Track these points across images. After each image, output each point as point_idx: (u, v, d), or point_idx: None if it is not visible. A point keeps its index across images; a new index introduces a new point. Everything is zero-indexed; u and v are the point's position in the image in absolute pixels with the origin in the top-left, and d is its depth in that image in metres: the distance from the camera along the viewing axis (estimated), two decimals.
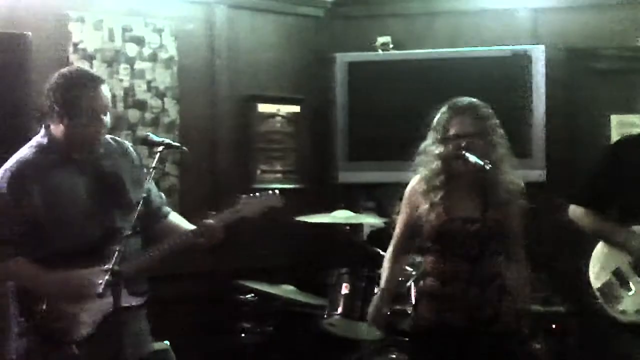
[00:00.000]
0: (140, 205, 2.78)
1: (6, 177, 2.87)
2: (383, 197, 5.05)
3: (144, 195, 2.85)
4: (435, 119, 3.12)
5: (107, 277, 2.58)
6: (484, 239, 2.98)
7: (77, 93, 2.88)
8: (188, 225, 3.15)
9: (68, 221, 2.89)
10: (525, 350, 3.52)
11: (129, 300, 2.86)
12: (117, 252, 2.65)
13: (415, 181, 3.16)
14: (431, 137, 3.12)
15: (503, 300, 3.01)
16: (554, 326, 4.44)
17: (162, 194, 3.28)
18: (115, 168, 3.01)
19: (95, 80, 2.94)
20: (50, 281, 2.84)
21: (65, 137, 2.92)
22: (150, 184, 3.06)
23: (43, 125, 2.98)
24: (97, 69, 4.46)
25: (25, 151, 2.95)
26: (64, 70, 3.07)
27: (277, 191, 3.23)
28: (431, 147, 3.10)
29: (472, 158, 2.95)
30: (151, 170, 2.89)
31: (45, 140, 2.95)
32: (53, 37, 4.37)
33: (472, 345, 2.99)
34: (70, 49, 4.42)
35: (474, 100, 3.12)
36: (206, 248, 3.09)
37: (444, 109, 3.11)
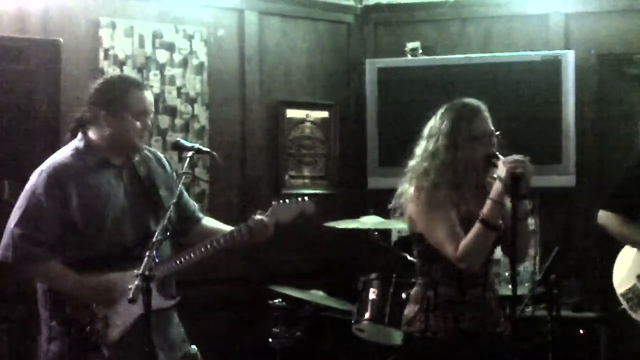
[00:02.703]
0: (170, 210, 2.80)
1: (42, 178, 2.90)
2: None
3: (174, 200, 2.86)
4: (451, 120, 2.97)
5: (137, 281, 2.59)
6: (497, 239, 2.91)
7: (120, 97, 2.94)
8: (224, 227, 3.16)
9: (103, 224, 2.92)
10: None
11: (160, 303, 2.87)
12: (147, 257, 2.66)
13: (426, 184, 2.98)
14: (447, 138, 2.95)
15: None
16: (581, 332, 4.40)
17: (194, 202, 3.31)
18: (150, 173, 3.05)
19: (138, 86, 3.03)
20: (82, 284, 2.87)
21: (106, 141, 2.97)
22: (182, 190, 3.07)
23: (81, 130, 3.02)
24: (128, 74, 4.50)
25: (61, 154, 2.99)
26: (107, 76, 3.18)
27: (307, 197, 3.21)
28: (451, 150, 2.94)
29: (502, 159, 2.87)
30: (182, 175, 2.92)
31: (82, 144, 2.99)
32: (84, 43, 4.43)
33: (488, 351, 2.93)
34: (101, 55, 4.47)
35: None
36: (254, 245, 3.09)
37: (455, 110, 2.99)
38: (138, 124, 2.96)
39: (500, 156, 2.88)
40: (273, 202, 3.14)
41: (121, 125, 2.95)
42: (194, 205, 3.27)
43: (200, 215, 3.27)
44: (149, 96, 3.06)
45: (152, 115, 3.08)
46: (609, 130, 5.05)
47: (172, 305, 3.03)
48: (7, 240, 2.88)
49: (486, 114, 3.00)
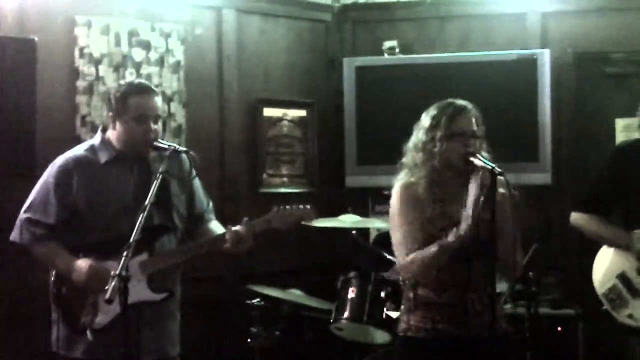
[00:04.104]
0: (147, 210, 2.84)
1: (55, 168, 3.20)
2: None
3: (151, 200, 2.88)
4: (432, 117, 3.02)
5: (114, 282, 2.66)
6: (481, 241, 2.88)
7: (121, 101, 3.15)
8: (219, 233, 3.28)
9: (104, 214, 3.13)
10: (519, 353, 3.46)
11: (147, 296, 3.09)
12: (124, 257, 2.72)
13: (405, 183, 3.01)
14: (426, 134, 3.00)
15: (497, 303, 2.96)
16: (559, 329, 4.43)
17: (210, 202, 3.44)
18: (163, 170, 3.06)
19: (141, 91, 3.20)
20: (76, 267, 3.06)
21: (118, 140, 3.19)
22: (198, 189, 3.35)
23: (101, 129, 3.29)
24: (104, 73, 4.48)
25: (77, 149, 3.26)
26: (122, 81, 3.65)
27: (308, 206, 3.28)
28: (430, 144, 2.99)
29: (479, 162, 2.86)
30: (158, 175, 2.97)
31: (98, 141, 3.24)
32: (59, 41, 4.38)
33: (467, 354, 2.93)
34: (77, 53, 4.43)
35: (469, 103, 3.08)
36: (234, 254, 3.21)
37: (441, 106, 3.04)
38: (139, 127, 3.13)
39: (478, 156, 2.89)
40: (273, 208, 3.23)
41: (125, 129, 3.16)
42: (205, 205, 3.41)
43: (210, 216, 3.42)
44: (159, 102, 3.22)
45: (161, 119, 3.24)
46: (586, 129, 5.08)
47: (163, 299, 3.15)
48: (17, 223, 3.20)
49: (471, 114, 3.02)
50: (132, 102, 3.14)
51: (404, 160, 3.08)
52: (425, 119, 3.06)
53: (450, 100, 3.08)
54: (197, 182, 3.38)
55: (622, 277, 3.14)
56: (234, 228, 3.16)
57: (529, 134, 4.85)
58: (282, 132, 5.22)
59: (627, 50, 5.00)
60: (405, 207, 2.99)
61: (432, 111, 3.06)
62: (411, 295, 3.00)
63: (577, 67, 5.08)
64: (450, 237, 2.86)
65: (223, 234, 3.19)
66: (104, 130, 3.26)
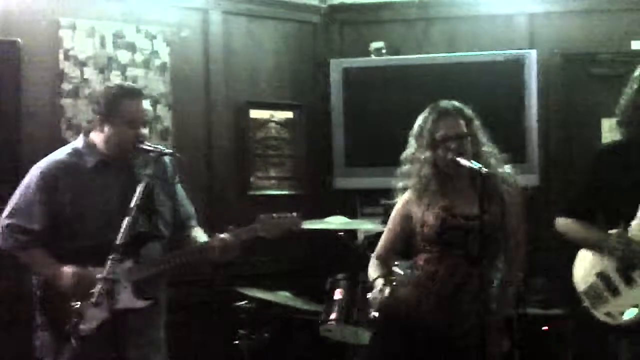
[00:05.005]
0: (133, 215, 2.84)
1: (36, 173, 3.13)
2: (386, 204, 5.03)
3: (137, 203, 2.87)
4: (418, 124, 3.08)
5: (100, 286, 2.68)
6: (482, 238, 2.90)
7: (118, 103, 3.11)
8: (202, 241, 3.27)
9: (89, 220, 3.09)
10: None
11: (132, 303, 3.06)
12: (110, 261, 2.73)
13: (405, 196, 3.12)
14: (416, 143, 3.08)
15: (490, 311, 2.97)
16: (546, 328, 4.44)
17: (193, 208, 3.41)
18: (149, 176, 3.05)
19: (132, 95, 3.18)
20: (62, 274, 3.02)
21: (105, 143, 3.15)
22: (181, 195, 3.33)
23: (83, 132, 3.25)
24: (89, 76, 4.46)
25: (59, 153, 3.20)
26: (109, 84, 3.52)
27: (295, 214, 3.28)
28: (418, 153, 3.05)
29: (465, 162, 2.91)
30: (144, 179, 2.95)
31: (81, 145, 3.19)
32: (44, 43, 4.36)
33: (438, 350, 2.94)
34: (61, 55, 4.40)
35: (456, 103, 3.09)
36: (219, 263, 3.15)
37: (426, 113, 3.09)
38: (130, 131, 3.09)
39: (460, 161, 2.90)
40: (260, 216, 3.22)
41: (113, 132, 3.12)
42: (188, 211, 3.37)
43: (193, 223, 3.38)
44: (146, 105, 3.20)
45: (147, 122, 3.22)
46: (573, 129, 5.10)
47: (147, 306, 3.12)
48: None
49: (456, 116, 3.03)
50: (124, 106, 3.11)
51: (400, 170, 3.12)
52: (415, 127, 3.11)
53: (436, 103, 3.09)
54: (179, 188, 3.35)
55: (602, 275, 3.15)
56: (220, 236, 3.14)
57: (516, 135, 4.85)
58: (269, 134, 5.20)
59: (614, 51, 5.01)
60: (397, 216, 3.13)
61: (419, 117, 3.10)
62: (408, 271, 3.15)
63: (564, 68, 5.10)
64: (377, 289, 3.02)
65: (208, 243, 3.17)
66: (87, 133, 3.22)
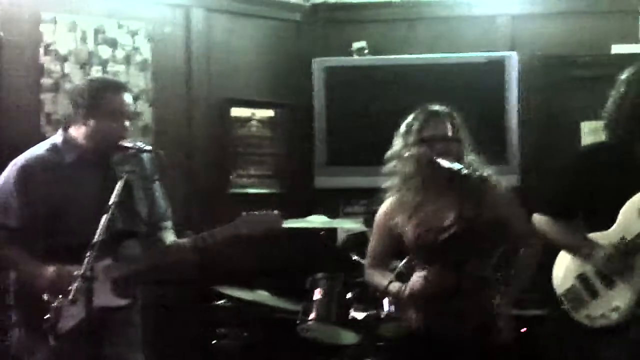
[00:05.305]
0: (111, 212, 2.80)
1: (14, 170, 3.07)
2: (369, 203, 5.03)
3: (115, 200, 2.85)
4: (406, 124, 3.10)
5: (77, 282, 2.63)
6: (466, 244, 2.94)
7: (96, 98, 3.06)
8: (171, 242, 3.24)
9: (69, 218, 3.04)
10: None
11: (111, 301, 3.01)
12: (87, 258, 2.68)
13: (386, 204, 3.13)
14: (402, 141, 3.09)
15: (491, 306, 2.99)
16: (523, 330, 4.45)
17: (168, 208, 3.35)
18: (127, 173, 3.02)
19: (116, 88, 3.15)
20: (40, 272, 2.97)
21: (87, 138, 3.09)
22: (157, 194, 3.27)
23: (62, 127, 3.17)
24: (70, 71, 4.43)
25: (36, 149, 3.14)
26: (91, 76, 3.48)
27: (276, 211, 3.25)
28: (403, 150, 3.07)
29: (446, 163, 2.93)
30: (123, 176, 2.92)
31: (59, 140, 3.13)
32: (24, 38, 4.33)
33: (459, 355, 2.96)
34: (42, 50, 4.37)
35: (446, 108, 3.12)
36: (180, 269, 3.18)
37: (415, 113, 3.11)
38: (114, 125, 3.05)
39: (440, 162, 2.91)
40: (242, 214, 3.18)
41: (96, 126, 3.06)
42: (163, 211, 3.32)
43: (167, 224, 3.32)
44: (129, 99, 3.15)
45: (130, 117, 3.17)
46: (553, 131, 5.11)
47: (125, 304, 3.10)
48: None
49: (445, 119, 3.06)
50: (109, 99, 3.07)
51: (384, 169, 3.13)
52: (402, 127, 3.12)
53: (427, 105, 3.12)
54: (157, 186, 3.30)
55: (581, 278, 3.16)
56: (180, 241, 3.13)
57: (497, 136, 4.87)
58: (251, 133, 5.19)
59: (594, 54, 5.04)
60: (380, 227, 3.15)
61: (408, 118, 3.12)
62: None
63: (544, 70, 5.11)
64: (398, 290, 3.00)
65: (185, 244, 3.14)
66: (66, 129, 3.17)
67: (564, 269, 3.23)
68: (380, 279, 3.11)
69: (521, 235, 3.14)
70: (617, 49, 4.97)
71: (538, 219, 3.28)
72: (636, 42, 4.92)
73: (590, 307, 3.11)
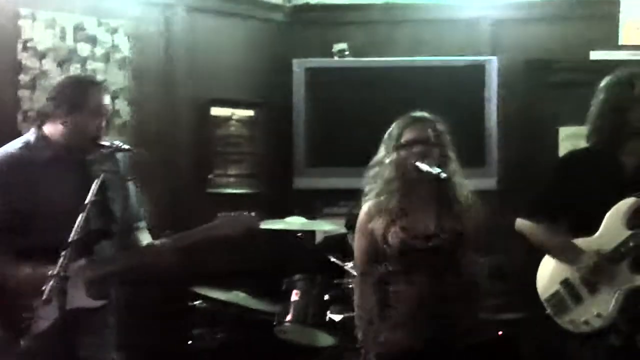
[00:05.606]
0: (87, 211, 2.76)
1: None
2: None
3: (92, 199, 2.81)
4: (388, 132, 3.12)
5: (52, 282, 2.59)
6: (445, 253, 2.94)
7: (77, 95, 3.04)
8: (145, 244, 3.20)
9: (44, 218, 2.97)
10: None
11: (85, 302, 2.97)
12: (62, 257, 2.65)
13: (367, 206, 3.12)
14: (384, 148, 3.11)
15: (467, 314, 3.00)
16: (499, 333, 4.46)
17: (142, 209, 3.31)
18: (103, 172, 2.97)
19: (96, 85, 3.14)
20: (14, 273, 2.91)
21: (62, 137, 3.04)
22: (132, 194, 3.22)
23: (36, 125, 3.12)
24: (48, 67, 4.38)
25: (9, 147, 3.07)
26: (69, 74, 3.50)
27: (253, 212, 3.23)
28: (385, 157, 3.08)
29: (425, 167, 2.93)
30: (100, 175, 2.88)
31: (33, 138, 3.08)
32: (2, 33, 4.28)
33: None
34: (20, 46, 4.33)
35: (428, 114, 3.12)
36: (156, 269, 3.13)
37: (397, 120, 3.12)
38: (92, 123, 3.02)
39: (419, 165, 2.92)
40: (218, 215, 3.16)
41: (76, 123, 3.02)
42: (136, 212, 3.27)
43: (142, 224, 3.28)
44: (106, 97, 3.13)
45: (108, 115, 3.16)
46: (531, 135, 5.15)
47: (102, 306, 3.05)
48: None
49: (426, 124, 3.07)
50: (90, 96, 3.04)
51: (367, 175, 3.13)
52: (385, 134, 3.13)
53: (409, 112, 3.13)
54: (132, 186, 3.26)
55: (566, 283, 3.18)
56: (155, 242, 3.10)
57: (476, 139, 4.89)
58: (230, 132, 5.17)
59: (573, 59, 5.07)
60: (361, 233, 3.12)
61: (391, 126, 3.12)
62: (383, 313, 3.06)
63: (524, 75, 5.15)
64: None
65: (160, 244, 3.10)
66: (40, 126, 3.11)
67: (549, 273, 3.24)
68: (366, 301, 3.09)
69: (475, 254, 3.11)
70: (595, 55, 5.00)
71: (521, 222, 3.30)
72: (615, 49, 4.97)
73: (574, 312, 3.13)
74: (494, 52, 5.10)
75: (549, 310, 3.20)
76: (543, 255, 3.35)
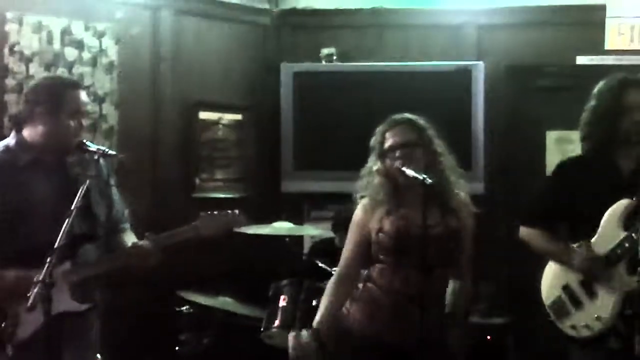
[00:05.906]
0: (72, 216, 2.74)
1: None
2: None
3: (77, 204, 2.78)
4: (372, 139, 3.12)
5: (36, 288, 2.57)
6: (439, 246, 2.93)
7: (55, 96, 2.98)
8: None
9: (26, 222, 2.93)
10: None
11: (70, 306, 2.93)
12: (47, 263, 2.62)
13: (361, 205, 3.11)
14: (372, 156, 3.11)
15: (446, 319, 3.00)
16: (488, 338, 4.48)
17: (126, 211, 3.28)
18: (83, 175, 2.96)
19: (74, 86, 3.09)
20: None
21: (40, 139, 2.99)
22: (115, 197, 3.18)
23: (15, 128, 3.07)
24: (35, 72, 4.36)
25: None
26: (46, 75, 3.41)
27: (237, 211, 3.20)
28: (373, 165, 3.08)
29: (410, 172, 2.93)
30: (86, 179, 2.86)
31: (12, 142, 3.03)
32: None
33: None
34: (7, 51, 4.31)
35: (409, 114, 3.12)
36: (142, 270, 3.08)
37: (380, 126, 3.12)
38: (72, 123, 2.98)
39: (405, 170, 2.92)
40: (201, 214, 3.13)
41: (55, 125, 2.97)
42: (121, 214, 3.24)
43: (125, 226, 3.25)
44: (85, 97, 3.09)
45: (87, 115, 3.13)
46: (518, 140, 5.17)
47: (87, 309, 3.02)
48: None
49: (405, 126, 3.06)
50: (68, 97, 2.99)
51: (358, 184, 3.12)
52: (371, 141, 3.13)
53: (391, 116, 3.13)
54: (114, 189, 3.23)
55: (566, 288, 3.20)
56: (139, 243, 3.07)
57: (463, 143, 4.88)
58: (217, 136, 5.16)
59: (560, 63, 5.10)
60: (354, 226, 3.09)
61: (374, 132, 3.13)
62: (360, 285, 3.07)
63: (511, 79, 5.17)
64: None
65: (144, 245, 3.06)
66: (19, 130, 3.05)
67: (550, 280, 3.26)
68: (324, 302, 3.11)
69: (461, 267, 3.10)
70: (581, 60, 5.03)
71: (523, 230, 3.32)
72: (601, 54, 4.99)
73: (575, 317, 3.15)
74: (480, 57, 5.12)
75: (551, 317, 3.22)
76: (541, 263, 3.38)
